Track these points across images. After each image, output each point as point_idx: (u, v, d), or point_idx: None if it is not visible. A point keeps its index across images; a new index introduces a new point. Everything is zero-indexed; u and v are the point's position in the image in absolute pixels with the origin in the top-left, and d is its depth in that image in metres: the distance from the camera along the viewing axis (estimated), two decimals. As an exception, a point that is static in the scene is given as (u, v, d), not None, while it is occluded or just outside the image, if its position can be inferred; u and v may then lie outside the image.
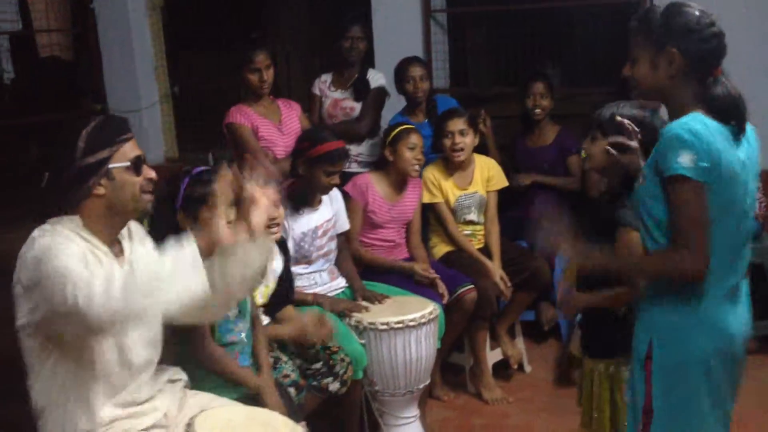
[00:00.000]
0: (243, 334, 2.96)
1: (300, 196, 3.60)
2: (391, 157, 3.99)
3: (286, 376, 3.11)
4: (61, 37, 7.51)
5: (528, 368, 4.40)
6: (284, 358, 3.20)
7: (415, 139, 3.96)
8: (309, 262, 3.64)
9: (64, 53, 7.70)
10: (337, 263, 3.80)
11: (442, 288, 3.87)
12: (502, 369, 4.30)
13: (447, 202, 4.24)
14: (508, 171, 4.59)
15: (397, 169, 4.00)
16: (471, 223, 4.30)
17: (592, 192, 4.30)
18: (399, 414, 3.62)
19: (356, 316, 3.51)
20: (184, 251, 2.11)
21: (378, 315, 3.51)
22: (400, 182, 4.07)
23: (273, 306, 3.25)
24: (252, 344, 2.99)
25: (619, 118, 2.56)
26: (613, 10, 5.85)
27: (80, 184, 2.22)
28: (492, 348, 4.23)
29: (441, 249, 4.30)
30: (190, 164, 3.09)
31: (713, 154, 2.06)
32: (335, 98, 4.60)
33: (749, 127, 2.21)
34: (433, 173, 4.24)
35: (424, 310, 3.52)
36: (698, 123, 2.09)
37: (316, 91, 4.67)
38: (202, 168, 2.91)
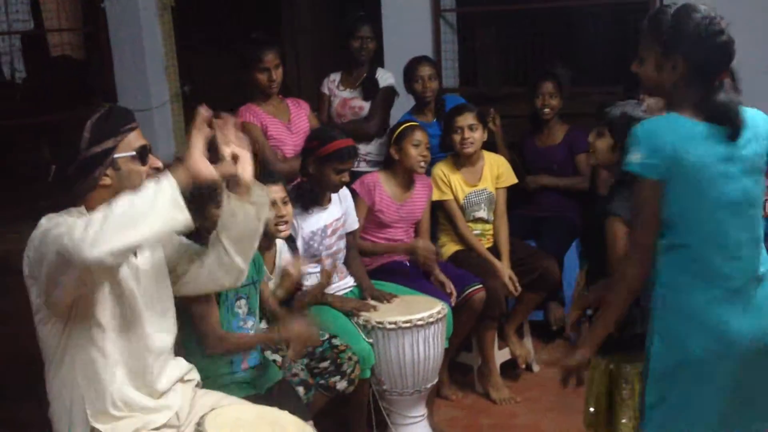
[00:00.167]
0: (252, 333, 2.98)
1: (309, 195, 3.60)
2: (396, 156, 4.00)
3: (295, 374, 3.12)
4: (72, 36, 7.54)
5: (536, 368, 4.40)
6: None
7: (419, 135, 3.96)
8: (318, 261, 3.65)
9: (75, 53, 7.73)
10: (346, 262, 3.81)
11: (450, 288, 3.88)
12: (510, 369, 4.30)
13: (456, 199, 4.24)
14: (518, 170, 4.59)
15: (404, 167, 4.01)
16: (481, 220, 4.30)
17: (601, 190, 4.30)
18: (406, 413, 3.63)
19: (364, 315, 3.52)
20: (162, 184, 2.05)
21: (386, 314, 3.52)
22: (407, 181, 4.07)
23: (282, 303, 3.27)
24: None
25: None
26: (622, 9, 5.84)
27: (86, 174, 2.24)
28: (500, 348, 4.23)
29: (450, 248, 4.30)
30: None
31: (667, 151, 2.11)
32: (344, 97, 4.61)
33: (762, 121, 2.22)
34: (442, 170, 4.25)
35: (432, 309, 3.53)
36: (659, 121, 2.17)
37: (325, 91, 4.68)
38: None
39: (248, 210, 2.37)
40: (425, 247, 3.93)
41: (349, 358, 3.25)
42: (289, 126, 4.12)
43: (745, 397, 2.24)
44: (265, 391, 2.94)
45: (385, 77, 4.61)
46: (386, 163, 4.16)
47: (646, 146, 2.14)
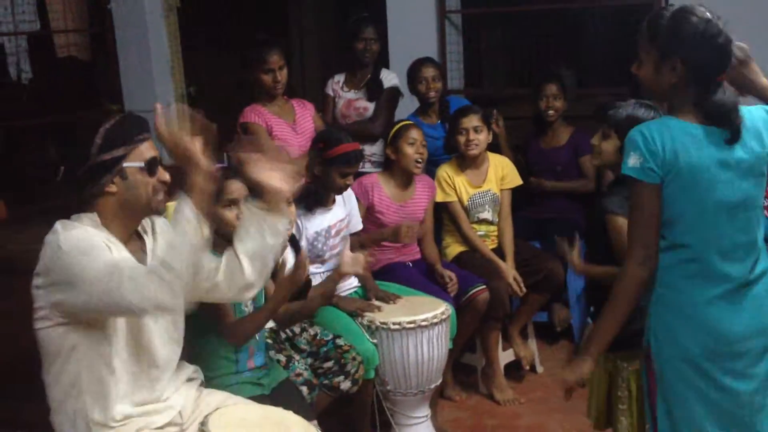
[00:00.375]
0: (257, 335, 2.98)
1: (314, 196, 3.61)
2: (393, 156, 4.02)
3: (299, 374, 3.13)
4: (78, 37, 7.55)
5: (540, 369, 4.40)
6: (297, 356, 3.22)
7: (414, 134, 3.97)
8: (322, 262, 3.66)
9: (81, 53, 7.73)
10: (350, 263, 3.81)
11: (452, 279, 3.89)
12: (514, 370, 4.30)
13: (460, 200, 4.24)
14: (522, 171, 4.59)
15: (401, 166, 4.02)
16: (485, 222, 4.30)
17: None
18: (410, 414, 3.63)
19: (368, 315, 3.52)
20: (183, 210, 2.14)
21: (390, 315, 3.52)
22: (406, 181, 4.08)
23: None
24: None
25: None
26: (626, 11, 5.84)
27: (94, 180, 2.24)
28: (504, 349, 4.23)
29: (454, 249, 4.31)
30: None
31: (664, 155, 2.13)
32: (348, 98, 4.62)
33: (763, 121, 2.22)
34: (446, 171, 4.26)
35: (436, 310, 3.53)
36: (656, 125, 2.19)
37: (330, 92, 4.70)
38: (218, 165, 2.96)
39: (268, 224, 2.37)
40: (407, 225, 3.90)
41: (353, 359, 3.26)
42: (294, 126, 4.13)
43: (745, 396, 2.24)
44: (270, 391, 2.95)
45: (389, 78, 4.62)
46: (385, 165, 4.18)
47: (644, 150, 2.15)
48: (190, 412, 2.48)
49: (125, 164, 2.25)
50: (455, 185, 4.24)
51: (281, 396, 2.88)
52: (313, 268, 3.62)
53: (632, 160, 2.17)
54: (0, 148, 6.66)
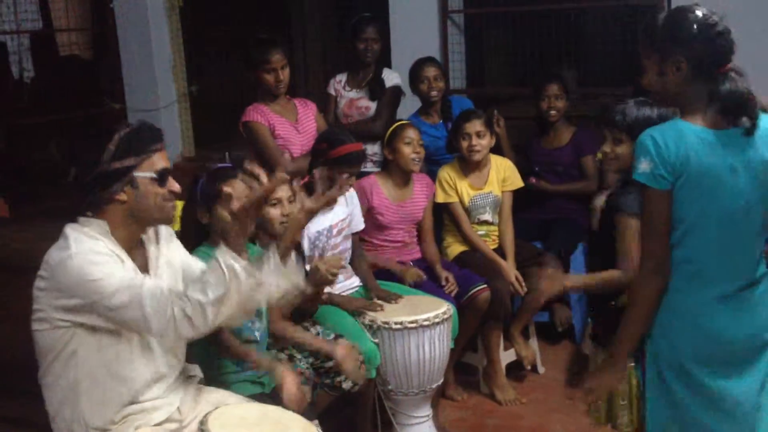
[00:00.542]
0: (258, 334, 2.99)
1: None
2: (390, 156, 4.02)
3: (300, 373, 3.12)
4: (81, 36, 7.57)
5: (541, 369, 4.39)
6: (298, 356, 3.22)
7: (410, 133, 3.98)
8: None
9: (84, 52, 7.76)
10: (352, 262, 3.82)
11: (450, 280, 3.89)
12: (516, 370, 4.30)
13: (461, 201, 4.24)
14: (523, 172, 4.58)
15: (399, 166, 4.02)
16: (485, 223, 4.31)
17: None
18: (412, 413, 3.63)
19: (370, 315, 3.52)
20: (226, 259, 2.15)
21: (392, 314, 3.52)
22: (405, 181, 4.09)
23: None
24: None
25: None
26: (628, 11, 5.83)
27: (104, 187, 2.24)
28: (505, 349, 4.23)
29: (455, 249, 4.31)
30: (204, 163, 3.16)
31: (675, 162, 2.12)
32: (350, 98, 4.63)
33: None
34: (448, 173, 4.26)
35: (437, 309, 3.53)
36: (668, 130, 2.16)
37: (332, 91, 4.70)
38: (220, 165, 2.98)
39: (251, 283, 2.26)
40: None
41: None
42: (297, 126, 4.13)
43: (744, 398, 2.24)
44: (271, 390, 2.95)
45: (391, 77, 4.63)
46: (383, 165, 4.18)
47: (654, 156, 2.13)
48: (189, 409, 2.48)
49: (136, 174, 2.25)
50: (456, 186, 4.24)
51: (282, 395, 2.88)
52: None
53: (643, 166, 2.15)
54: (2, 146, 6.67)
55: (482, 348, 4.16)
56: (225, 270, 2.13)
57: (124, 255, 2.28)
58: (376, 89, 4.58)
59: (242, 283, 2.15)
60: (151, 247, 2.41)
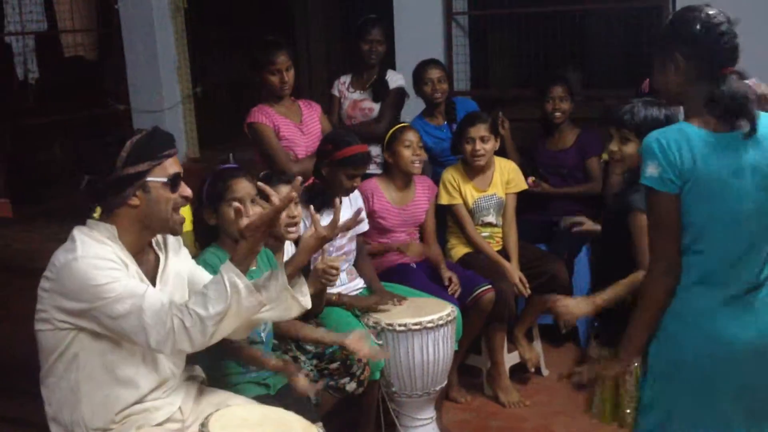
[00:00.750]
0: (263, 334, 2.98)
1: (321, 197, 3.61)
2: (390, 159, 4.02)
3: (305, 375, 3.12)
4: (86, 37, 7.58)
5: (545, 371, 4.39)
6: (302, 357, 3.22)
7: (410, 136, 3.98)
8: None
9: (88, 53, 7.77)
10: (356, 264, 3.82)
11: (454, 281, 3.89)
12: (519, 372, 4.29)
13: (465, 203, 4.24)
14: (527, 173, 4.58)
15: (400, 169, 4.02)
16: (489, 225, 4.30)
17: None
18: (415, 415, 3.63)
19: (374, 316, 3.52)
20: (231, 278, 2.19)
21: (396, 316, 3.52)
22: (406, 184, 4.09)
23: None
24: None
25: None
26: (633, 13, 5.83)
27: (116, 192, 2.25)
28: (509, 351, 4.22)
29: (459, 251, 4.30)
30: (209, 164, 3.18)
31: (682, 165, 2.12)
32: (354, 99, 4.63)
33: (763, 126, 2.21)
34: (452, 175, 4.25)
35: (441, 311, 3.53)
36: (673, 133, 2.16)
37: (336, 93, 4.70)
38: (226, 165, 2.99)
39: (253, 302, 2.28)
40: (414, 247, 3.93)
41: (359, 360, 3.24)
42: (301, 127, 4.13)
43: (748, 401, 2.24)
44: (276, 392, 2.95)
45: (395, 79, 4.63)
46: (383, 169, 4.18)
47: (661, 160, 2.13)
48: (191, 410, 2.49)
49: (148, 179, 2.26)
50: (460, 188, 4.23)
51: (287, 397, 2.88)
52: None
53: (650, 170, 2.15)
54: (7, 147, 6.67)
55: (486, 350, 4.16)
56: (228, 286, 2.16)
57: (130, 260, 2.29)
58: (379, 91, 4.58)
59: (243, 300, 2.18)
60: (161, 256, 2.42)
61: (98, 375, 2.27)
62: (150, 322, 2.16)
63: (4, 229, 4.25)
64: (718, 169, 2.13)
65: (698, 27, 2.15)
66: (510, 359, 4.22)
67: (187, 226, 2.71)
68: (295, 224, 3.22)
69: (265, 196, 2.46)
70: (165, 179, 2.28)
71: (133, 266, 2.29)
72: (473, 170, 4.25)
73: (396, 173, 4.07)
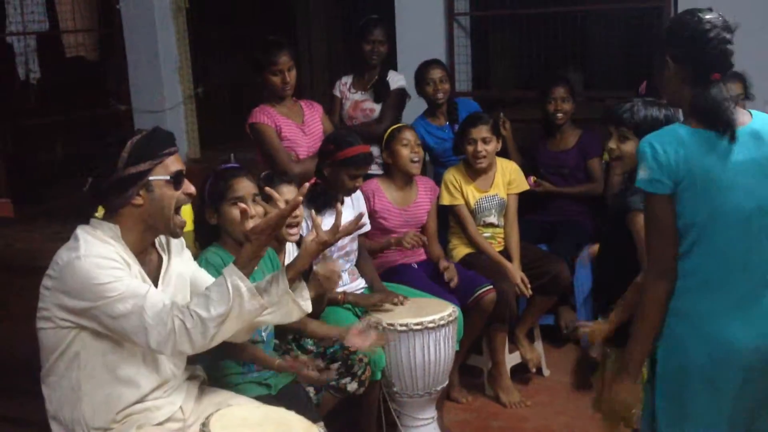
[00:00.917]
0: (264, 334, 2.99)
1: (323, 197, 3.61)
2: (389, 160, 4.03)
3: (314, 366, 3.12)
4: (87, 37, 7.58)
5: (546, 372, 4.39)
6: (304, 357, 3.21)
7: (408, 135, 3.98)
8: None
9: (90, 53, 7.77)
10: (358, 264, 3.82)
11: (451, 272, 3.89)
12: (521, 372, 4.30)
13: (467, 203, 4.24)
14: (528, 174, 4.58)
15: (399, 169, 4.02)
16: (490, 225, 4.30)
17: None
18: (416, 415, 3.63)
19: (376, 316, 3.52)
20: (233, 281, 2.20)
21: (397, 316, 3.52)
22: (406, 184, 4.09)
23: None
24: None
25: None
26: (634, 14, 5.83)
27: (119, 192, 2.26)
28: (511, 351, 4.22)
29: (461, 251, 4.31)
30: (210, 165, 3.18)
31: (674, 166, 2.12)
32: (355, 100, 4.63)
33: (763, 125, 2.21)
34: (454, 175, 4.25)
35: (443, 311, 3.53)
36: (665, 135, 2.18)
37: (337, 93, 4.71)
38: (227, 165, 2.99)
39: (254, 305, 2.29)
40: (412, 233, 3.92)
41: (360, 360, 3.25)
42: (303, 127, 4.13)
43: (753, 404, 2.23)
44: (277, 392, 2.95)
45: (396, 79, 4.63)
46: (384, 170, 4.18)
47: (651, 162, 2.15)
48: (192, 409, 2.49)
49: (151, 177, 2.27)
50: (462, 189, 4.23)
51: (288, 397, 2.89)
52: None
53: (642, 173, 2.18)
54: (8, 147, 6.68)
55: (487, 350, 4.16)
56: (230, 289, 2.17)
57: (132, 260, 2.29)
58: (381, 91, 4.59)
59: (245, 303, 2.19)
60: (163, 257, 2.43)
61: (99, 374, 2.28)
62: (151, 323, 2.16)
63: (5, 228, 4.25)
64: (716, 168, 2.13)
65: (687, 32, 2.17)
66: (511, 359, 4.22)
67: (188, 227, 2.71)
68: (297, 225, 3.22)
69: (266, 196, 2.46)
70: (168, 177, 2.28)
71: (136, 266, 2.29)
72: (475, 171, 4.25)
73: (395, 173, 4.07)
